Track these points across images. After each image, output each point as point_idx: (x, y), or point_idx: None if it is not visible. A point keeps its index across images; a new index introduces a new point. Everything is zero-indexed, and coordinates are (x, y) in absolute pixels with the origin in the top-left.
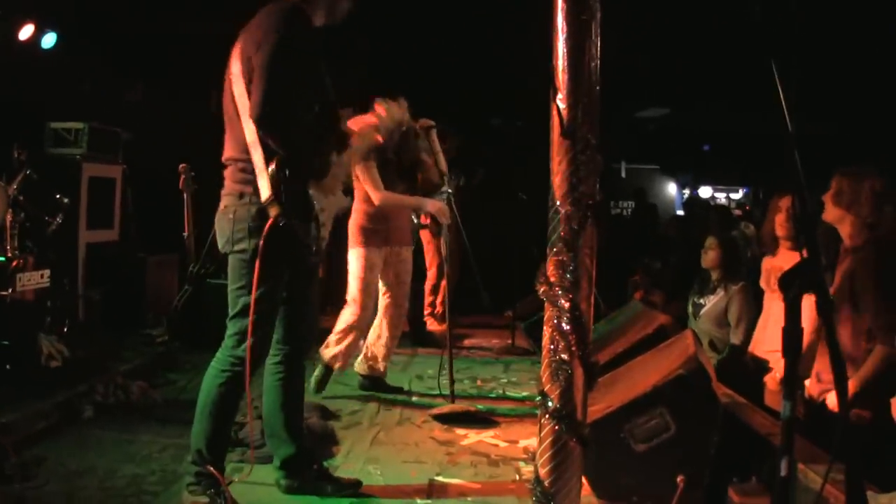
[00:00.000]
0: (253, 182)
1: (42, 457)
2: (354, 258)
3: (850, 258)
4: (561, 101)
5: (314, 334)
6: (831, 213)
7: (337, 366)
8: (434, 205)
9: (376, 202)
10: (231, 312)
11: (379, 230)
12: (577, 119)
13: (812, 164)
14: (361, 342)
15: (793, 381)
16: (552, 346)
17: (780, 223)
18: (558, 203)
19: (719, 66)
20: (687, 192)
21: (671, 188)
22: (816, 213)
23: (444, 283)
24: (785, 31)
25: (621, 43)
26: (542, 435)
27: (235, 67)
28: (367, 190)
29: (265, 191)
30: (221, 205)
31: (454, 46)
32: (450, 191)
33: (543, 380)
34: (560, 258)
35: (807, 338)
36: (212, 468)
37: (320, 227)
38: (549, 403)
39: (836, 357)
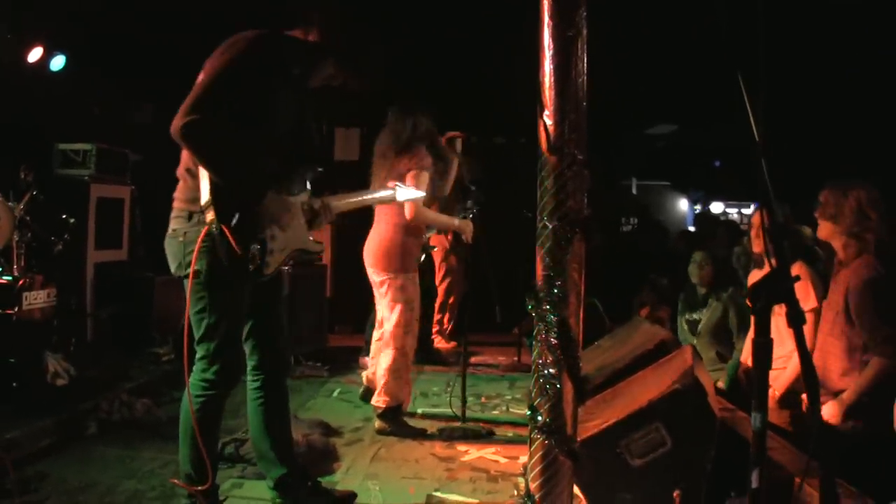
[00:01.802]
0: (199, 201)
1: (44, 473)
2: (405, 285)
3: (842, 271)
4: (548, 118)
5: (289, 354)
6: (822, 229)
7: (404, 402)
8: (463, 223)
9: (410, 215)
10: (196, 336)
11: (416, 253)
12: (564, 135)
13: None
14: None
15: (763, 393)
16: (540, 361)
17: (753, 236)
18: (546, 218)
19: (724, 81)
20: (699, 207)
21: (683, 204)
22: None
23: (451, 301)
24: (751, 41)
25: (626, 61)
26: (532, 449)
27: None
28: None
29: (204, 195)
30: (170, 227)
31: (454, 64)
32: (474, 210)
33: (533, 394)
34: (548, 273)
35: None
36: (201, 488)
37: (266, 252)
38: (539, 418)
39: (808, 365)
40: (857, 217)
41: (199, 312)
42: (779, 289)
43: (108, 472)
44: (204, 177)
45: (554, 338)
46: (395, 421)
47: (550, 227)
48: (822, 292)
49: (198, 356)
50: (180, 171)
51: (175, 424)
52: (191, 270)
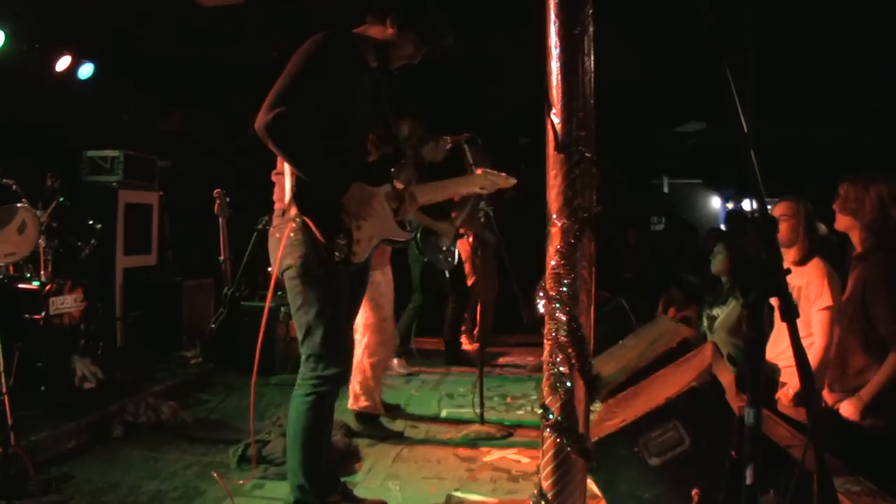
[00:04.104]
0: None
1: (69, 474)
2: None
3: (860, 266)
4: (555, 116)
5: (349, 356)
6: (841, 222)
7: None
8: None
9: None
10: (300, 336)
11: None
12: (572, 133)
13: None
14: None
15: (756, 388)
16: (551, 360)
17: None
18: (554, 217)
19: (751, 77)
20: (731, 205)
21: (715, 202)
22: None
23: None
24: (738, 30)
25: (652, 60)
26: (544, 448)
27: None
28: None
29: (288, 192)
30: (272, 226)
31: (478, 64)
32: (490, 210)
33: (544, 393)
34: (557, 271)
35: (820, 353)
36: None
37: (352, 242)
38: (551, 416)
39: (801, 357)
40: (878, 212)
41: (298, 309)
42: (770, 282)
43: (131, 473)
44: (288, 176)
45: (564, 336)
46: (372, 425)
47: (559, 224)
48: (840, 289)
49: (304, 356)
50: (274, 175)
51: (201, 427)
52: (289, 264)
